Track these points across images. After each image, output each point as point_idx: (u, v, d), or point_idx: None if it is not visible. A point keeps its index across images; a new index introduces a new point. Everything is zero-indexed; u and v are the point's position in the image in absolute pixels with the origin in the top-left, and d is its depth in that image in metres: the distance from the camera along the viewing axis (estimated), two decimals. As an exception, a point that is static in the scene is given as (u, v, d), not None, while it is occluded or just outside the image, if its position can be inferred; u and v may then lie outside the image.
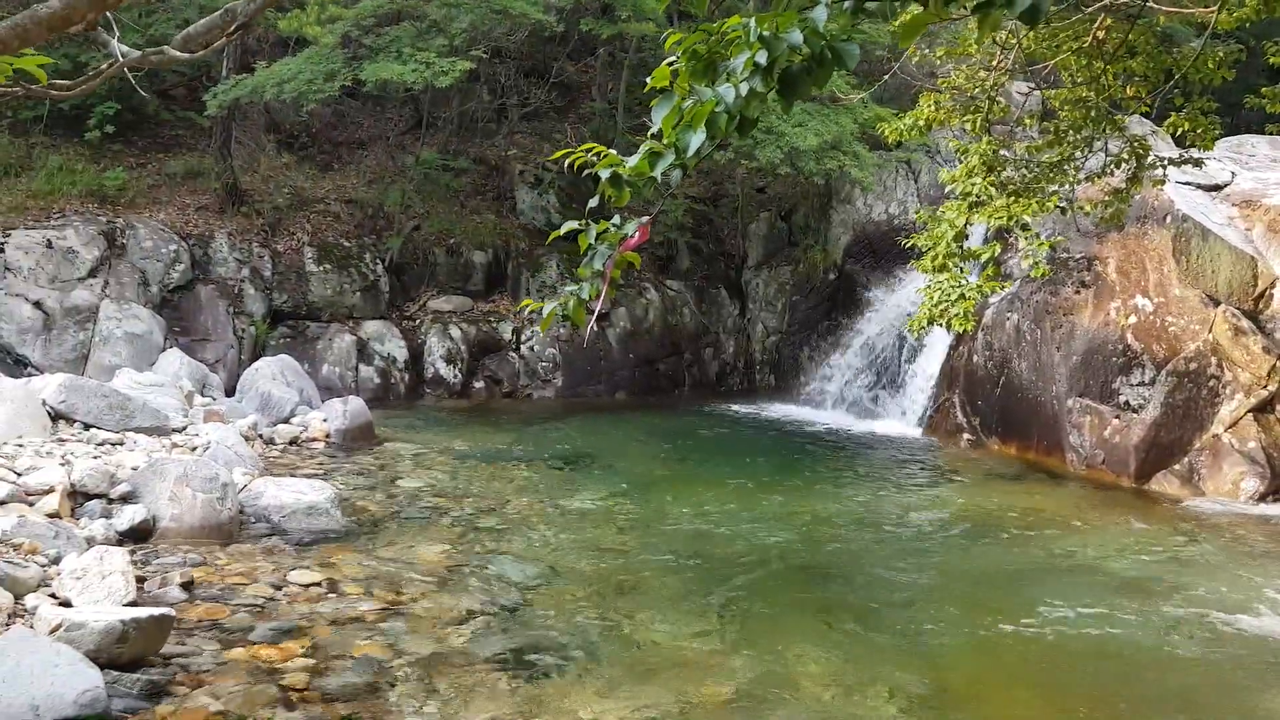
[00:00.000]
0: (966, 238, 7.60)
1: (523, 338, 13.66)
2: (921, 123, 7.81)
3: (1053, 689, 5.13)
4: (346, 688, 4.59)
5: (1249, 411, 8.95)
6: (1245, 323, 9.10)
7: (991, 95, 7.65)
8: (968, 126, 7.45)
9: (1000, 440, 10.92)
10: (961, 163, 7.53)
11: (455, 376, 13.12)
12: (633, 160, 2.74)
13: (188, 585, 5.53)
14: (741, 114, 2.52)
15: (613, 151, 2.85)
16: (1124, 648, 5.47)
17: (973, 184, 7.12)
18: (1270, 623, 5.79)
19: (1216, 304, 9.31)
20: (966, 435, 11.25)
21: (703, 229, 15.76)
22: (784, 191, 15.79)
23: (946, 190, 7.71)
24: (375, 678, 4.70)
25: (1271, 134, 11.02)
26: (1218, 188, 10.37)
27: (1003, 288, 8.25)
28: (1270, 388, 8.88)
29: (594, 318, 3.10)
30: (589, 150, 2.87)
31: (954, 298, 6.98)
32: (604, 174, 2.73)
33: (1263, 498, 8.67)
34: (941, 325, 7.12)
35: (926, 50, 8.27)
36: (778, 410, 13.33)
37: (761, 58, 2.34)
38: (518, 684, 4.74)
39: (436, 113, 15.13)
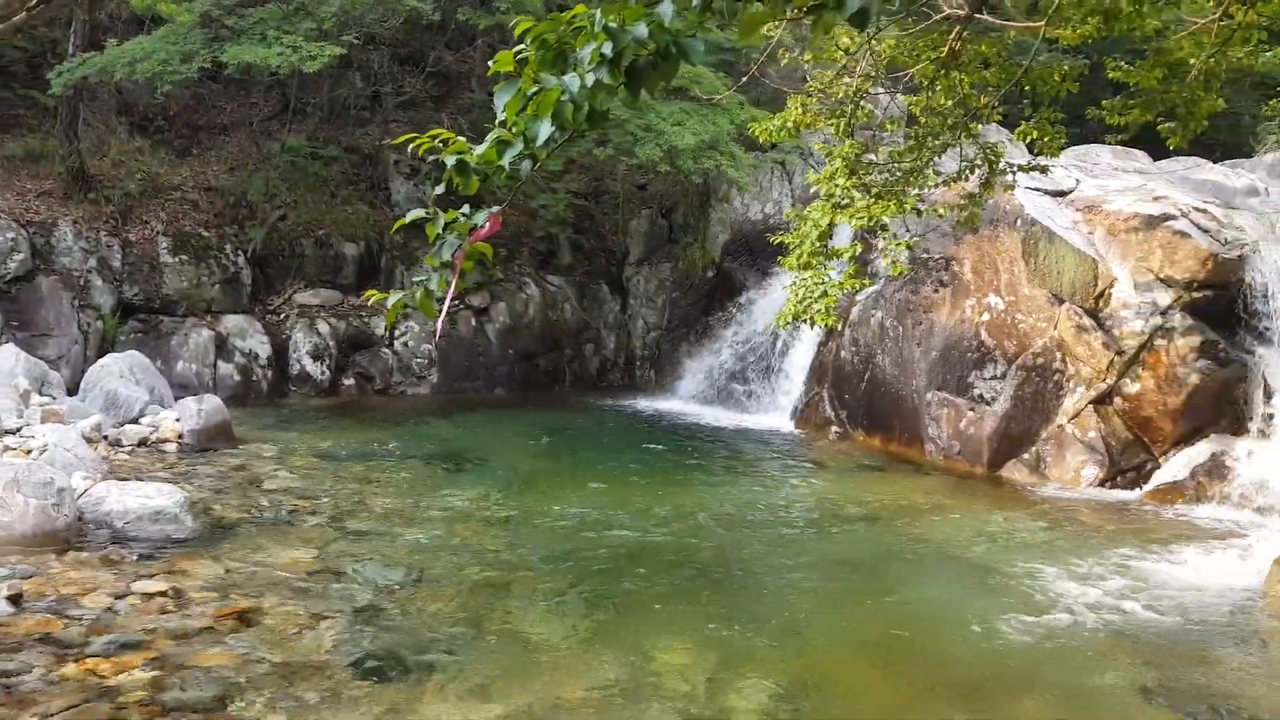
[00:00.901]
0: (831, 237, 7.82)
1: (396, 333, 13.33)
2: (790, 125, 7.99)
3: (911, 672, 5.32)
4: (191, 702, 4.36)
5: (1090, 403, 9.50)
6: (1087, 320, 9.65)
7: (855, 101, 7.87)
8: (832, 130, 7.65)
9: (866, 432, 11.28)
10: (827, 165, 7.75)
11: (323, 373, 12.70)
12: (480, 148, 2.68)
13: (15, 598, 5.15)
14: (590, 106, 2.50)
15: (461, 139, 2.79)
16: (975, 628, 5.70)
17: (836, 186, 7.33)
18: (1104, 600, 6.14)
19: (1061, 302, 9.85)
20: (835, 428, 11.58)
21: (584, 225, 15.73)
22: (664, 189, 15.90)
23: (813, 191, 7.91)
24: (224, 690, 4.48)
25: (1112, 144, 11.68)
26: (1064, 193, 10.97)
27: (863, 285, 8.51)
28: (1109, 381, 9.45)
29: (444, 311, 3.02)
30: (435, 136, 2.80)
31: (817, 294, 7.16)
32: (450, 161, 2.66)
33: (1101, 484, 9.23)
34: (805, 321, 7.29)
35: (796, 54, 8.46)
36: (657, 405, 13.43)
37: (607, 49, 2.32)
38: (379, 690, 4.60)
39: (305, 99, 14.61)
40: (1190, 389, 9.18)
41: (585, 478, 9.16)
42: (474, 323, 13.72)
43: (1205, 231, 9.78)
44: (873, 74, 8.39)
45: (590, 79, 2.33)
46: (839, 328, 11.63)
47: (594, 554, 6.90)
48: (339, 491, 8.05)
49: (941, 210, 8.10)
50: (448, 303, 3.02)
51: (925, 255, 11.05)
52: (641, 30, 2.33)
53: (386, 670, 4.83)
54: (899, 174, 8.01)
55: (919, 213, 7.68)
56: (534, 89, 2.38)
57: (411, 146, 2.74)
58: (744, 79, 7.30)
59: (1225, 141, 18.80)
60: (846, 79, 7.89)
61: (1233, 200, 11.68)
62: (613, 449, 10.62)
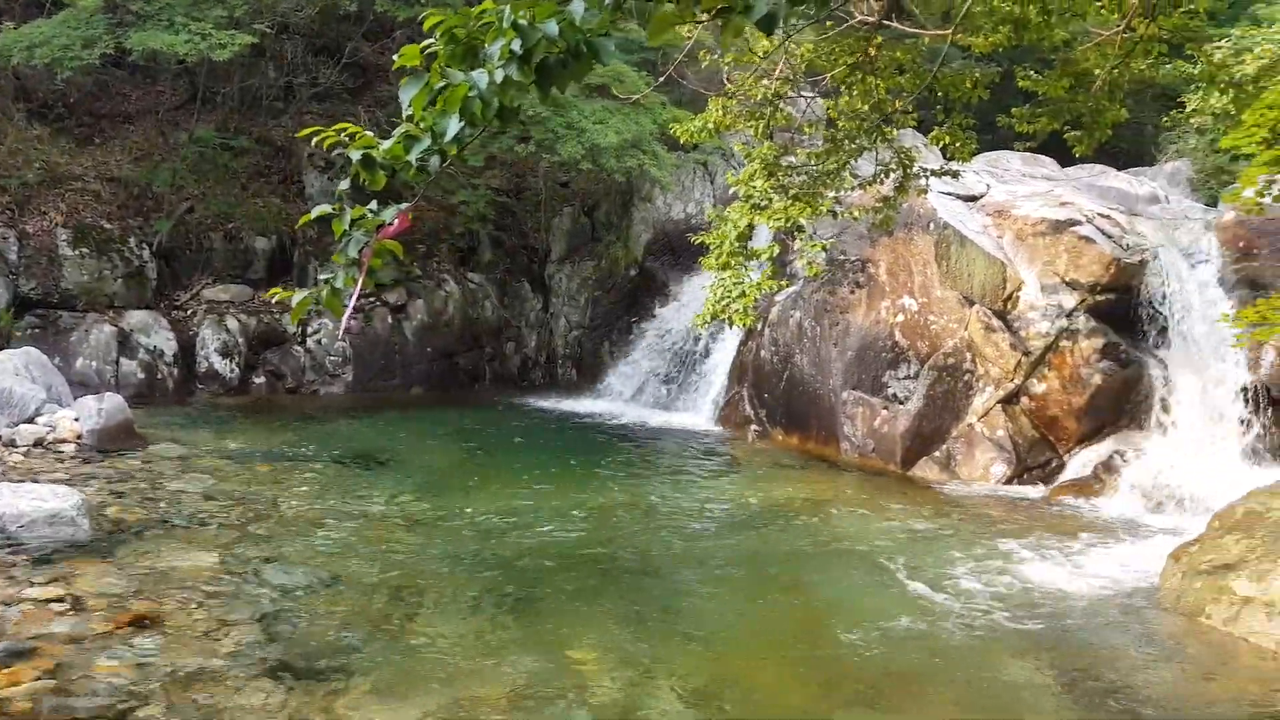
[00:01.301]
0: (751, 238, 7.89)
1: (309, 330, 13.01)
2: (710, 126, 8.04)
3: (819, 670, 5.39)
4: (87, 712, 4.18)
5: (998, 402, 9.78)
6: (996, 321, 9.94)
7: (773, 103, 7.96)
8: (751, 132, 7.73)
9: (784, 431, 11.42)
10: (746, 166, 7.82)
11: (232, 371, 12.32)
12: (387, 143, 2.62)
13: (-105, 607, 4.88)
14: (501, 102, 2.46)
15: (369, 133, 2.72)
16: (882, 624, 5.81)
17: (754, 187, 7.40)
18: (1008, 595, 6.32)
19: (972, 304, 10.12)
20: (754, 427, 11.70)
21: (506, 221, 15.58)
22: (587, 187, 15.86)
23: (732, 192, 7.98)
24: (121, 699, 4.32)
25: (1021, 151, 12.04)
26: (974, 198, 11.27)
27: (782, 286, 8.62)
28: (1016, 381, 9.75)
29: (350, 309, 2.96)
30: (341, 130, 2.73)
31: (736, 294, 7.22)
32: (355, 156, 2.60)
33: (1009, 481, 9.51)
34: (724, 320, 7.34)
35: (716, 56, 8.51)
36: (578, 404, 13.37)
37: (517, 45, 2.29)
38: (283, 697, 4.48)
39: (215, 88, 14.14)
40: (1093, 389, 9.52)
41: (503, 478, 9.08)
42: (391, 320, 13.47)
43: (1108, 237, 10.16)
44: (790, 77, 8.50)
45: (499, 75, 2.29)
46: (759, 328, 11.76)
47: (509, 555, 6.84)
48: (247, 493, 7.82)
49: (857, 213, 8.24)
50: (354, 300, 2.95)
51: (842, 257, 11.24)
52: (552, 28, 2.31)
53: (292, 675, 4.71)
54: (816, 176, 8.13)
55: (834, 215, 7.79)
56: (442, 84, 2.34)
57: (315, 140, 2.66)
58: (661, 79, 7.30)
59: (1129, 150, 19.59)
60: (765, 81, 7.98)
61: (1135, 207, 12.17)
62: (532, 449, 10.56)
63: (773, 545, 7.44)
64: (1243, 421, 9.22)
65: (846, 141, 8.39)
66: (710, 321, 7.53)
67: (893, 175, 8.44)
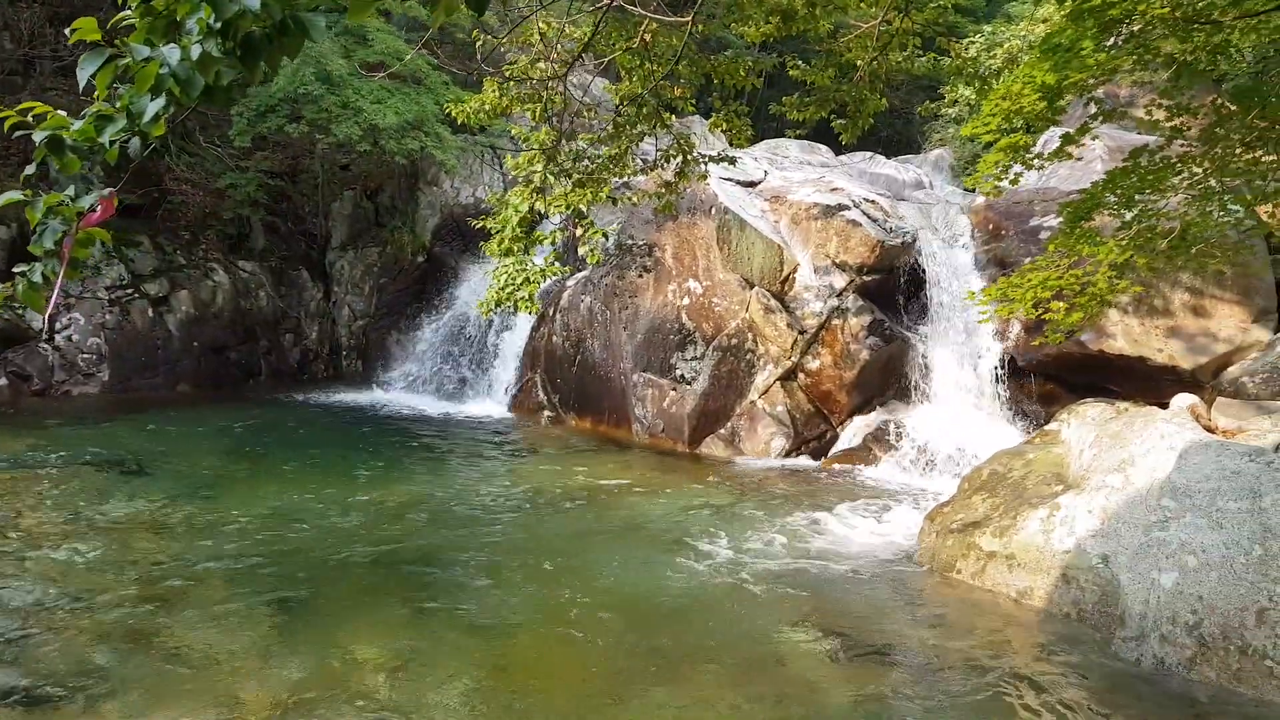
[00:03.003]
0: (538, 223, 7.82)
1: (58, 326, 11.82)
2: (487, 108, 7.88)
3: (609, 650, 5.41)
4: None
5: (777, 379, 10.23)
6: (774, 303, 10.36)
7: (552, 86, 7.89)
8: (529, 115, 7.63)
9: (577, 416, 11.47)
10: (523, 151, 7.72)
11: (-34, 374, 11.05)
12: (78, 124, 2.36)
13: None
14: (206, 81, 2.25)
15: (61, 113, 2.44)
16: (668, 600, 5.94)
17: (534, 171, 7.32)
18: (785, 564, 6.62)
19: (752, 286, 10.50)
20: (548, 412, 11.68)
21: (281, 206, 14.74)
22: (369, 170, 15.25)
23: (512, 176, 7.87)
24: None
25: (793, 138, 12.57)
26: (754, 184, 11.69)
27: (566, 272, 8.61)
28: (794, 358, 10.21)
29: (52, 303, 2.67)
30: (26, 111, 2.43)
31: (520, 281, 7.14)
32: (39, 138, 2.32)
33: (788, 454, 9.97)
34: (509, 307, 7.25)
35: (490, 36, 8.34)
36: (364, 397, 12.89)
37: (213, 19, 2.09)
38: (16, 731, 4.04)
39: (-66, 58, 12.56)
40: (862, 363, 10.12)
41: (278, 478, 8.61)
42: (151, 313, 12.46)
43: (874, 221, 10.80)
44: (569, 60, 8.46)
45: (196, 51, 2.10)
46: (550, 313, 11.74)
47: (283, 557, 6.48)
48: (-21, 510, 7.01)
49: (634, 199, 8.33)
50: (55, 295, 2.67)
51: (631, 241, 11.37)
52: (253, 2, 2.13)
53: (25, 703, 4.25)
54: (600, 161, 8.15)
55: (614, 201, 7.84)
56: (128, 61, 2.11)
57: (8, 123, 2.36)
58: (409, 56, 7.07)
59: (901, 137, 20.95)
60: (542, 64, 7.90)
61: (902, 192, 13.02)
62: (311, 445, 10.06)
63: (562, 529, 7.45)
64: (994, 389, 10.07)
65: (629, 127, 8.47)
66: (495, 309, 7.42)
67: (674, 161, 8.59)
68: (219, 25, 2.08)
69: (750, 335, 10.40)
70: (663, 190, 8.80)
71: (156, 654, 4.91)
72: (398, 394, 13.00)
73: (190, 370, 12.65)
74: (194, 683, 4.61)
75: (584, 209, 7.37)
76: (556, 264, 7.49)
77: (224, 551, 6.52)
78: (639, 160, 8.70)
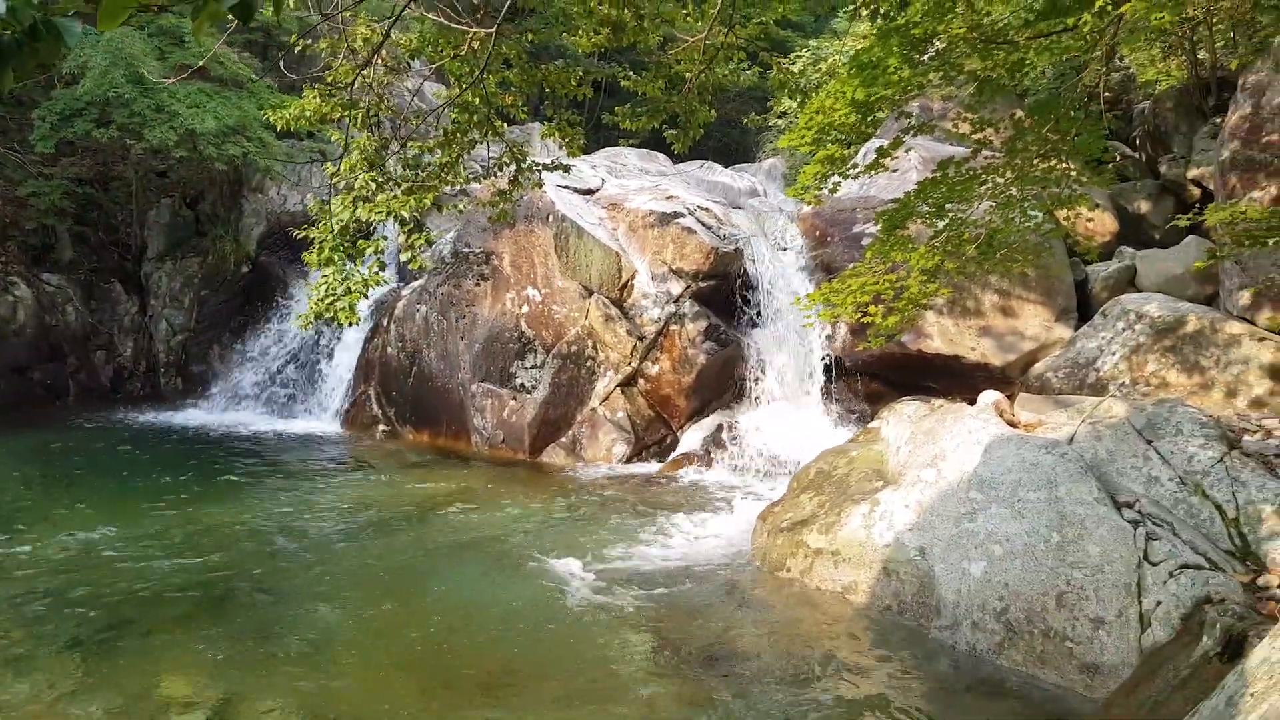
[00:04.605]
0: (368, 232, 7.58)
1: None
2: (308, 114, 7.59)
3: (441, 671, 5.28)
4: None
5: (618, 386, 10.30)
6: (614, 310, 10.43)
7: (378, 92, 7.68)
8: (351, 123, 7.39)
9: (414, 429, 11.20)
10: (345, 158, 7.47)
11: None
12: None
13: None
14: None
15: None
16: (504, 616, 5.85)
17: (356, 178, 7.09)
18: (621, 570, 6.64)
19: (591, 294, 10.53)
20: (382, 426, 11.35)
21: (90, 215, 13.76)
22: (189, 176, 14.43)
23: (333, 184, 7.60)
24: None
25: (627, 146, 12.68)
26: (591, 191, 11.74)
27: (388, 281, 8.39)
28: (633, 364, 10.30)
29: None
30: None
31: (341, 291, 6.89)
32: None
33: (629, 459, 10.05)
34: (330, 319, 6.98)
35: (310, 42, 8.04)
36: (184, 416, 12.18)
37: (-57, 19, 1.90)
38: None
39: None
40: (700, 368, 10.31)
41: (93, 505, 8.02)
42: (-61, 332, 11.40)
43: (708, 228, 11.03)
44: (395, 67, 8.26)
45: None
46: (384, 324, 11.41)
47: (87, 593, 6.02)
48: None
49: (467, 206, 8.21)
50: None
51: (467, 249, 11.20)
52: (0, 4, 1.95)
53: None
54: (430, 169, 7.98)
55: (440, 208, 7.70)
56: None
57: None
58: (273, 65, 6.76)
59: (738, 146, 21.51)
60: (366, 71, 7.67)
61: (738, 199, 13.35)
62: (123, 469, 9.42)
63: (395, 549, 7.23)
64: (823, 390, 10.46)
65: (459, 134, 8.33)
66: (314, 321, 7.12)
67: (507, 169, 8.51)
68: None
69: (590, 342, 10.42)
70: (496, 199, 8.71)
71: (-68, 711, 4.47)
72: (221, 412, 12.34)
73: (-15, 393, 11.64)
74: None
75: (406, 215, 7.19)
76: (381, 273, 7.26)
77: (23, 591, 6.01)
78: (475, 166, 8.58)
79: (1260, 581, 4.80)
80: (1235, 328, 8.16)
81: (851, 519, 6.31)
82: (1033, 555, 5.29)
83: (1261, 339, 8.00)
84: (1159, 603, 4.78)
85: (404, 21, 8.56)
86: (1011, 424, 6.74)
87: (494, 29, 6.56)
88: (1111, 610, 4.89)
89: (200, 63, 8.89)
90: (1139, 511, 5.32)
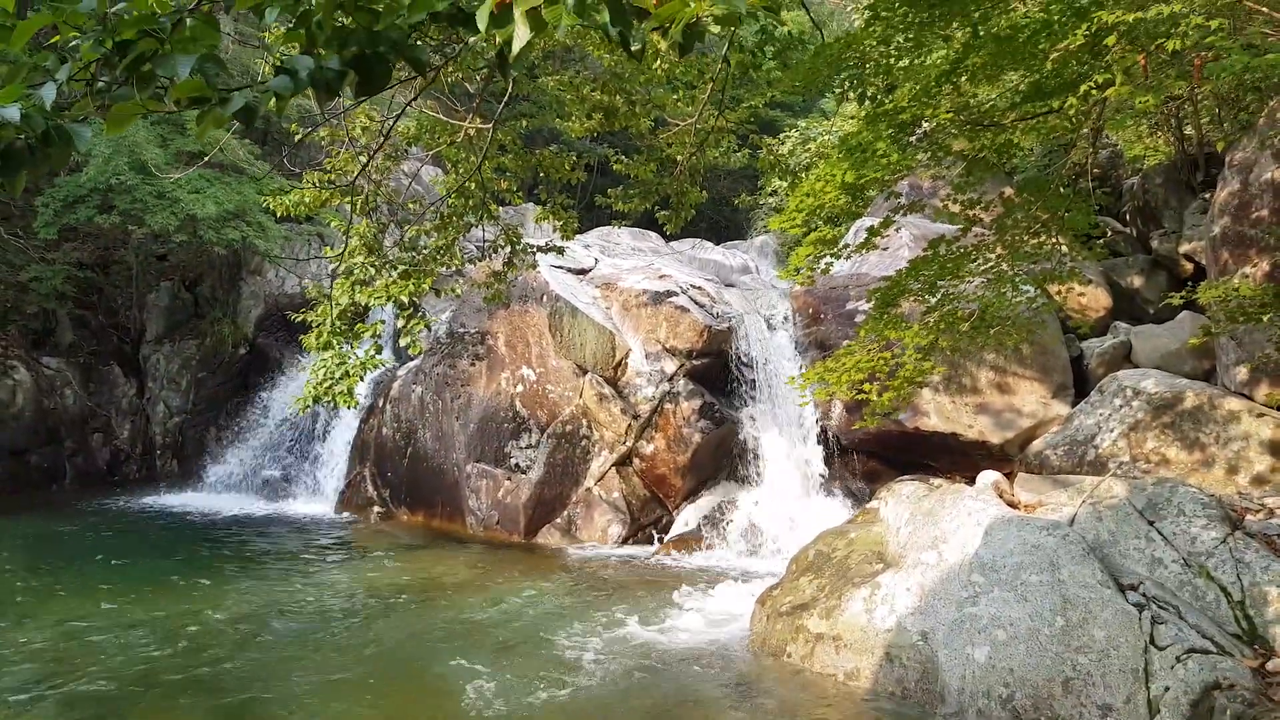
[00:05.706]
0: (365, 315, 7.64)
1: None
2: (306, 200, 7.72)
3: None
4: None
5: (613, 465, 10.24)
6: (608, 389, 10.43)
7: (373, 180, 7.82)
8: (349, 208, 7.51)
9: (409, 510, 11.10)
10: (346, 242, 7.58)
11: None
12: None
13: None
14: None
15: None
16: (503, 704, 5.71)
17: (354, 263, 7.18)
18: (614, 655, 6.51)
19: (585, 372, 10.56)
20: (378, 508, 11.25)
21: (91, 299, 13.85)
22: (188, 260, 14.56)
23: (332, 268, 7.69)
24: None
25: (619, 227, 12.86)
26: (584, 271, 11.85)
27: (387, 364, 8.42)
28: (628, 443, 10.27)
29: None
30: None
31: (339, 375, 6.91)
32: None
33: (624, 541, 9.94)
34: (327, 403, 6.99)
35: (310, 131, 8.22)
36: (180, 499, 12.08)
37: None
38: None
39: None
40: (695, 446, 10.27)
41: (75, 593, 7.89)
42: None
43: (701, 306, 11.11)
44: (393, 154, 8.42)
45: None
46: (380, 404, 11.40)
47: (83, 682, 5.91)
48: None
49: (462, 288, 8.28)
50: None
51: (462, 330, 11.26)
52: (12, 113, 2.01)
53: None
54: (427, 252, 8.08)
55: (437, 292, 7.77)
56: None
57: None
58: (273, 149, 6.89)
59: (729, 225, 21.80)
60: (363, 158, 7.83)
61: (730, 277, 13.48)
62: (118, 555, 9.29)
63: (390, 636, 7.10)
64: (820, 468, 10.40)
65: (456, 218, 8.46)
66: (312, 405, 7.13)
67: (502, 251, 8.62)
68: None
69: (585, 421, 10.41)
70: (490, 280, 8.80)
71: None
72: (217, 494, 12.24)
73: (-19, 477, 11.56)
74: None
75: (405, 300, 7.25)
76: (377, 356, 7.30)
77: (13, 682, 5.88)
78: (471, 248, 8.69)
79: (1269, 666, 4.71)
80: (1234, 403, 8.16)
81: (852, 603, 6.22)
82: (1037, 640, 5.20)
83: (1260, 414, 7.99)
84: (1167, 688, 4.69)
85: (399, 106, 8.74)
86: (1012, 505, 6.70)
87: (492, 123, 6.70)
88: (1119, 697, 4.79)
89: (206, 157, 9.06)
90: (1143, 594, 5.25)
